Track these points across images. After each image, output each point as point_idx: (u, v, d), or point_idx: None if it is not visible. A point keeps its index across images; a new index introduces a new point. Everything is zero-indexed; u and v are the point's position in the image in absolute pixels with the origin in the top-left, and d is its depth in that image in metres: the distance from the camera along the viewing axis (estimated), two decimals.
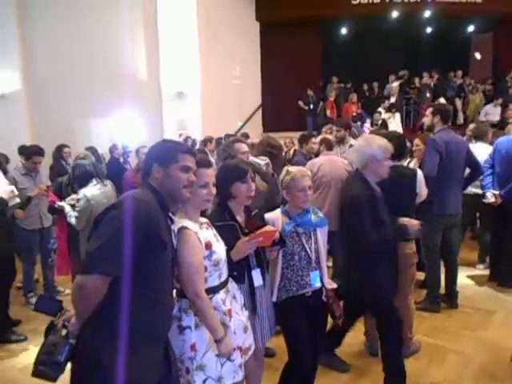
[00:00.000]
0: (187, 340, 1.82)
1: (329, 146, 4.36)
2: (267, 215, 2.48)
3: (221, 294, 1.92)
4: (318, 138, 4.61)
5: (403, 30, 12.01)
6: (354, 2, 10.79)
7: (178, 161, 1.65)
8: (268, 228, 2.12)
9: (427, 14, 11.48)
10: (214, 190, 1.92)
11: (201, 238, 1.83)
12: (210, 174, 1.91)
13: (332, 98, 10.87)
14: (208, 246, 1.86)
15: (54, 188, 4.15)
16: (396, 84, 11.53)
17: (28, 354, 3.44)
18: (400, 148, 3.09)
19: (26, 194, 3.94)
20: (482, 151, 4.69)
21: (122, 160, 7.62)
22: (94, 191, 3.57)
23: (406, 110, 11.39)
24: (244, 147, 3.15)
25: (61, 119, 9.06)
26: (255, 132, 11.12)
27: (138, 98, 9.29)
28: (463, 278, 4.57)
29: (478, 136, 5.04)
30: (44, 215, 4.29)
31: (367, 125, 9.36)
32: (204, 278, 1.83)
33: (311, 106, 11.11)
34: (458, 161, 3.70)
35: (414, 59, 12.39)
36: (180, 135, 9.09)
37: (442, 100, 11.23)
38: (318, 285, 2.38)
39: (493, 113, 9.52)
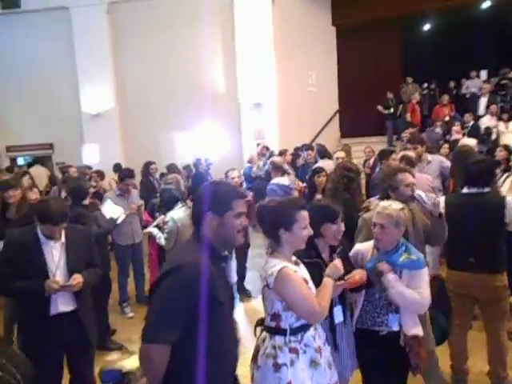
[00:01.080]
0: (283, 378, 1.84)
1: (410, 163, 4.16)
2: (358, 246, 2.50)
3: (311, 331, 1.94)
4: (399, 155, 4.41)
5: (494, 20, 11.01)
6: None
7: (232, 208, 1.63)
8: (357, 276, 2.13)
9: (486, 4, 10.40)
10: (310, 230, 1.97)
11: (299, 275, 1.91)
12: (304, 216, 1.95)
13: (415, 101, 10.31)
14: (306, 282, 1.93)
15: (148, 208, 4.53)
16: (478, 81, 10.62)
17: (124, 361, 3.75)
18: (485, 174, 2.87)
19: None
20: None
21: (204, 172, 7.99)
22: (180, 214, 3.82)
23: (502, 108, 10.39)
24: (410, 178, 2.77)
25: (146, 135, 9.79)
26: (332, 138, 10.97)
27: (217, 110, 9.72)
28: None
29: None
30: (135, 232, 4.68)
31: (456, 128, 8.46)
32: (314, 299, 1.87)
33: (391, 110, 10.65)
34: None
35: (508, 52, 11.26)
36: (258, 145, 9.31)
37: None
38: (395, 328, 2.26)
39: None
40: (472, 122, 8.83)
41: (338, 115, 11.50)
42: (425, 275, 2.28)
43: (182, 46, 9.84)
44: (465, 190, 3.02)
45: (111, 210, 4.14)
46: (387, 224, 2.26)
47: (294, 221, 1.91)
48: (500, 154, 5.36)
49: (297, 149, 7.86)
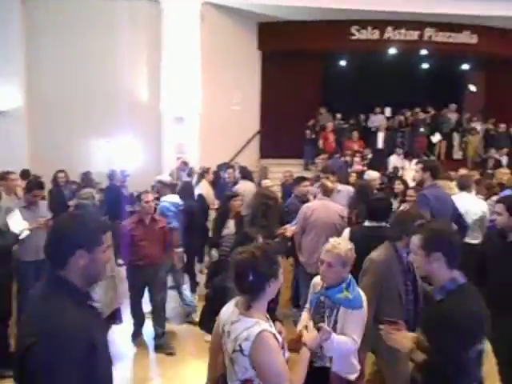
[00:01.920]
0: None
1: (326, 192, 4.49)
2: (315, 279, 2.57)
3: None
4: (319, 184, 4.74)
5: (400, 65, 12.36)
6: (352, 38, 11.10)
7: (102, 242, 1.53)
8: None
9: (423, 52, 11.84)
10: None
11: (278, 338, 1.72)
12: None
13: (328, 129, 11.09)
14: (283, 346, 1.77)
15: None
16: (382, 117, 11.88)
17: None
18: (383, 210, 3.22)
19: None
20: (466, 201, 4.88)
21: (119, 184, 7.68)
22: None
23: (401, 143, 11.64)
24: None
25: (60, 140, 9.17)
26: (252, 158, 11.29)
27: (138, 120, 9.48)
28: None
29: (463, 186, 5.15)
30: (40, 248, 4.34)
31: (357, 159, 9.14)
32: (287, 375, 1.68)
33: (313, 136, 11.36)
34: (445, 216, 3.84)
35: (409, 94, 12.69)
36: (178, 159, 9.24)
37: (437, 135, 11.57)
38: (328, 364, 2.25)
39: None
40: (370, 155, 9.70)
41: (258, 136, 11.89)
42: (359, 317, 2.28)
43: (102, 50, 9.45)
44: (367, 223, 3.38)
45: (16, 222, 3.82)
46: (335, 263, 2.30)
47: (279, 267, 1.78)
48: (398, 187, 6.05)
49: (220, 166, 7.96)
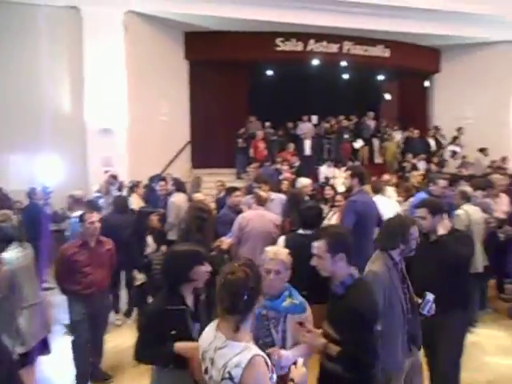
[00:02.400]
0: None
1: (260, 201, 4.56)
2: None
3: None
4: (248, 196, 4.79)
5: (323, 76, 13.00)
6: (277, 49, 11.47)
7: None
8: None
9: (343, 63, 12.57)
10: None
11: (268, 362, 1.65)
12: None
13: (258, 138, 11.30)
14: (272, 369, 1.70)
15: None
16: (310, 125, 12.42)
17: None
18: (315, 218, 3.34)
19: None
20: (381, 204, 5.25)
21: (42, 202, 7.18)
22: (14, 254, 3.38)
23: (328, 149, 12.21)
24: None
25: None
26: (184, 169, 11.16)
27: (60, 133, 8.94)
28: None
29: (377, 190, 5.47)
30: None
31: (285, 168, 9.15)
32: None
33: (245, 144, 11.46)
34: (371, 221, 4.09)
35: (333, 103, 13.38)
36: (105, 173, 8.86)
37: (359, 141, 12.30)
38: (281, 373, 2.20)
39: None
40: (298, 163, 9.99)
41: (189, 146, 11.79)
42: (306, 320, 2.32)
43: (20, 60, 8.86)
44: (301, 231, 3.49)
45: None
46: (282, 269, 2.33)
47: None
48: (328, 192, 6.34)
49: (152, 179, 7.74)
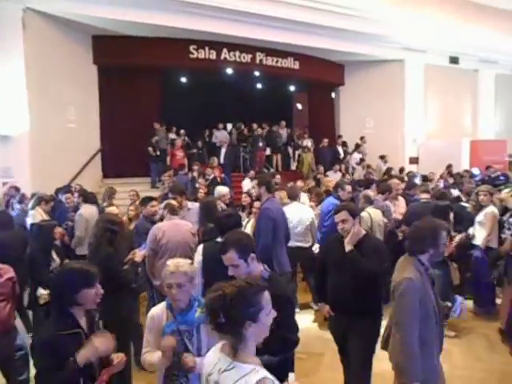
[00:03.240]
0: None
1: (172, 210, 4.49)
2: (152, 311, 2.40)
3: None
4: (163, 204, 4.69)
5: (237, 85, 13.27)
6: (191, 56, 11.43)
7: None
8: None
9: (257, 73, 12.96)
10: (274, 313, 1.66)
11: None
12: (268, 299, 1.64)
13: (177, 146, 11.14)
14: None
15: None
16: (225, 133, 12.61)
17: None
18: (233, 226, 3.39)
19: None
20: (297, 210, 5.54)
21: None
22: None
23: (243, 157, 12.46)
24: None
25: None
26: (94, 179, 10.57)
27: None
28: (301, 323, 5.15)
29: (292, 196, 5.72)
30: None
31: (201, 180, 8.93)
32: None
33: (158, 152, 11.16)
34: (282, 227, 4.26)
35: (247, 111, 13.72)
36: (4, 184, 8.08)
37: (267, 150, 12.72)
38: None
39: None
40: (212, 175, 9.85)
41: (100, 154, 11.19)
42: None
43: None
44: (219, 239, 3.51)
45: None
46: (184, 281, 2.29)
47: (260, 308, 1.57)
48: (245, 199, 6.48)
49: (58, 190, 7.18)
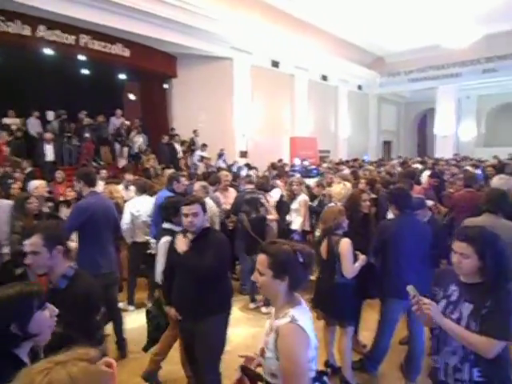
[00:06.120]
0: None
1: None
2: None
3: None
4: None
5: (59, 68, 11.90)
6: (0, 29, 9.77)
7: None
8: None
9: (82, 57, 11.89)
10: None
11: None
12: None
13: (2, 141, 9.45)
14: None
15: None
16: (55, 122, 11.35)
17: None
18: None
19: None
20: (140, 203, 5.43)
21: None
22: None
23: (69, 149, 11.34)
24: None
25: None
26: None
27: None
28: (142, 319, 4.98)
29: (141, 189, 5.62)
30: None
31: (18, 174, 7.99)
32: None
33: None
34: (107, 221, 4.05)
35: (71, 98, 12.50)
36: None
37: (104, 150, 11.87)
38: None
39: None
40: (30, 168, 8.86)
41: None
42: None
43: None
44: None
45: None
46: None
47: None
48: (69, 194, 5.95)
49: None
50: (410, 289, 2.07)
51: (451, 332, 2.03)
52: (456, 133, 21.86)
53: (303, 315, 1.79)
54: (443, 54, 19.01)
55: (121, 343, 4.28)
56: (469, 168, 9.68)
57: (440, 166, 12.16)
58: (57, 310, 1.70)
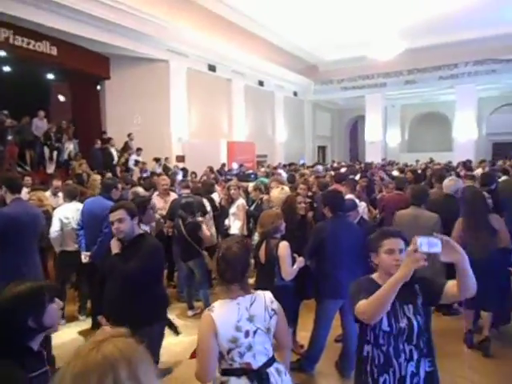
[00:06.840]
0: None
1: None
2: None
3: None
4: None
5: None
6: None
7: None
8: None
9: (2, 53, 11.02)
10: None
11: None
12: None
13: None
14: None
15: None
16: None
17: None
18: None
19: None
20: (69, 210, 5.15)
21: None
22: None
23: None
24: None
25: None
26: None
27: None
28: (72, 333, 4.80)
29: (70, 195, 5.31)
30: None
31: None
32: None
33: None
34: (33, 229, 3.78)
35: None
36: None
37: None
38: None
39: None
40: None
41: None
42: None
43: None
44: None
45: None
46: None
47: None
48: None
49: None
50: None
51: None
52: (384, 139, 23.31)
53: (222, 307, 2.03)
54: (370, 65, 20.24)
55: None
56: (396, 172, 10.36)
57: (372, 169, 12.83)
58: (62, 303, 1.87)
